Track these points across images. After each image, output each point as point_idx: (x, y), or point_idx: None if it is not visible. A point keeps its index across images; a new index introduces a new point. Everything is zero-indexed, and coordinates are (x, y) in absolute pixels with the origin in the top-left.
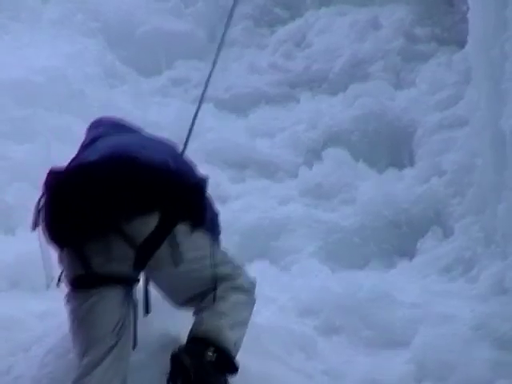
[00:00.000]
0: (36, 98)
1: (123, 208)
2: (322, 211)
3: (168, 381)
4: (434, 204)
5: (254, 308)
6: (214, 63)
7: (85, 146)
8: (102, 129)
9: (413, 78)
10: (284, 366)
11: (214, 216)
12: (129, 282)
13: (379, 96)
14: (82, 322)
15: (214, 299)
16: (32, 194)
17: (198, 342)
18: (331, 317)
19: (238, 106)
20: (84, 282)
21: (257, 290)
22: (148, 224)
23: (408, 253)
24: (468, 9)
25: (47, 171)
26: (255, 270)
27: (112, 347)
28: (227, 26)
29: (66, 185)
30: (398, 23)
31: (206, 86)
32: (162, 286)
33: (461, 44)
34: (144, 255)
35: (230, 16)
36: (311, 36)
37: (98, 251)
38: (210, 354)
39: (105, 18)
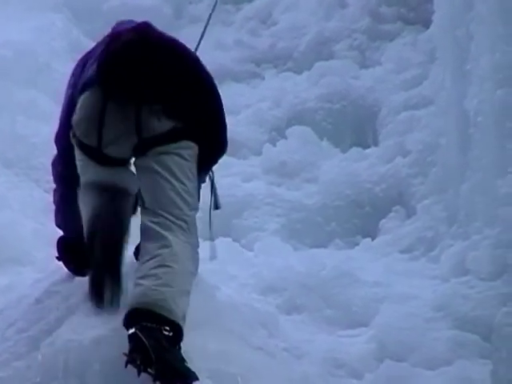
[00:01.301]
0: (2, 72)
1: (156, 96)
2: (286, 189)
3: (127, 360)
4: (397, 184)
5: (216, 284)
6: None
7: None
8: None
9: (378, 57)
10: (245, 343)
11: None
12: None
13: (344, 75)
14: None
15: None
16: None
17: (148, 316)
18: (293, 295)
19: None
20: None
21: (219, 268)
22: (163, 127)
23: (371, 232)
24: None
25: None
26: (217, 248)
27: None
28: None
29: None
30: (364, 2)
31: None
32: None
33: (426, 24)
34: (145, 147)
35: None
36: (277, 13)
37: (111, 125)
38: (166, 331)
39: None
